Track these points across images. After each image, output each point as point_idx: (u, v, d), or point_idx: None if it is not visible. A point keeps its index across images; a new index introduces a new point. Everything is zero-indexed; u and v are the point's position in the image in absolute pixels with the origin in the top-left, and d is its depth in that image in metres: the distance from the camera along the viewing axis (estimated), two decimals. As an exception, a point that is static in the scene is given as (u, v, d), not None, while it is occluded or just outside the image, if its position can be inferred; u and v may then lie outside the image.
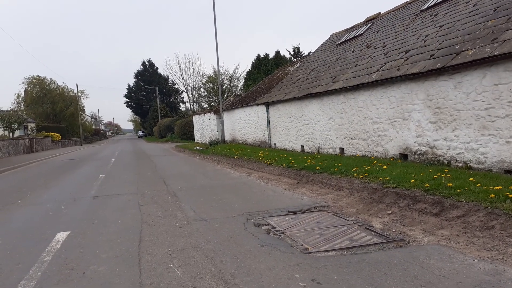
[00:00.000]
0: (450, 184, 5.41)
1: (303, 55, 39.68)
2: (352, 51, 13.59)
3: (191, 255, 4.08)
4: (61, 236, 5.10)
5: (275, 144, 16.56)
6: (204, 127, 30.76)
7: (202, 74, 47.79)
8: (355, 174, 7.41)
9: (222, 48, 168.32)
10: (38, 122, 47.53)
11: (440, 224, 4.60)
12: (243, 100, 22.37)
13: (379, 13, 15.75)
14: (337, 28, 73.51)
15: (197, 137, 33.00)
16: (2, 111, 40.43)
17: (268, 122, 17.09)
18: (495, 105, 6.55)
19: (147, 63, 70.10)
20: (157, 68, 69.96)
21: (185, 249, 4.30)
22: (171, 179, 10.38)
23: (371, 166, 7.87)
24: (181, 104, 66.47)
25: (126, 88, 72.18)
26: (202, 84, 47.54)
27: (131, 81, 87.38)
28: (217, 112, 26.24)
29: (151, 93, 66.75)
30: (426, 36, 9.59)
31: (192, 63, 71.72)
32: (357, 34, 15.21)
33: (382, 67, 9.96)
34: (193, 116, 36.06)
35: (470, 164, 7.08)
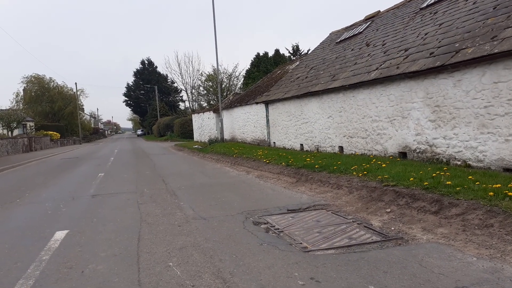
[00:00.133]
0: (449, 182, 5.41)
1: (303, 54, 39.60)
2: (352, 50, 13.57)
3: (190, 254, 4.07)
4: (60, 234, 5.10)
5: (274, 142, 16.55)
6: (203, 125, 30.74)
7: (202, 73, 47.67)
8: (354, 173, 7.40)
9: (222, 48, 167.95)
10: (37, 121, 47.53)
11: (439, 222, 4.60)
12: (242, 99, 22.35)
13: (379, 11, 15.76)
14: (337, 26, 73.54)
15: (196, 136, 33.00)
16: (1, 110, 40.44)
17: (267, 121, 17.08)
18: (495, 103, 6.54)
19: (146, 62, 69.96)
20: (156, 67, 69.88)
21: (184, 247, 4.30)
22: (170, 178, 10.37)
23: (370, 165, 7.87)
24: (180, 103, 66.46)
25: (125, 87, 72.24)
26: (201, 82, 47.53)
27: (130, 80, 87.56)
28: (216, 110, 26.22)
29: (150, 92, 66.68)
30: (426, 34, 9.58)
31: (191, 61, 71.95)
32: (356, 32, 15.19)
33: (381, 65, 9.95)
34: (192, 115, 36.04)
35: (469, 162, 7.08)
